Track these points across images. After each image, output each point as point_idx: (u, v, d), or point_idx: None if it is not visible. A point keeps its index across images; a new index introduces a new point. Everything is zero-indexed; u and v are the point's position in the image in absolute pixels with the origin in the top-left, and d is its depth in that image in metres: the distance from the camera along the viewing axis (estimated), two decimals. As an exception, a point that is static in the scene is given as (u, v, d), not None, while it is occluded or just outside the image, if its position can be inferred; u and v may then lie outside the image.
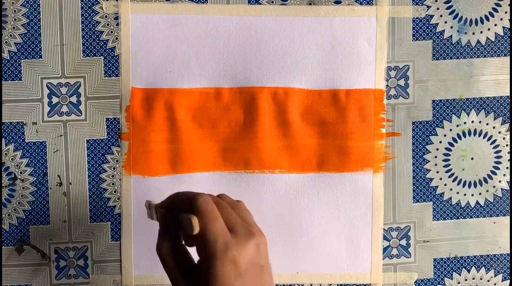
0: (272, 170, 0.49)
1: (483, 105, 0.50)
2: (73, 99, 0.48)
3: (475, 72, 0.50)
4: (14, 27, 0.47)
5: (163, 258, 0.36)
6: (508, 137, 0.51)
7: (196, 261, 0.36)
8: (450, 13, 0.49)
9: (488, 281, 0.52)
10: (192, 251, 0.36)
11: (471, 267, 0.51)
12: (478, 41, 0.50)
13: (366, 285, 0.51)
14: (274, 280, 0.50)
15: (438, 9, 0.49)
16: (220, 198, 0.38)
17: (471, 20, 0.49)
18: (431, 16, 0.49)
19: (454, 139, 0.50)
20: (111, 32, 0.48)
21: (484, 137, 0.51)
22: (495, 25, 0.50)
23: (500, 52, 0.50)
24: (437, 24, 0.49)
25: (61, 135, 0.48)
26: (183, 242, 0.37)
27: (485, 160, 0.51)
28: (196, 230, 0.34)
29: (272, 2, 0.48)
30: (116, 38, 0.48)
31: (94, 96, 0.48)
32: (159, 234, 0.37)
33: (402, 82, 0.50)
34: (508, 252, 0.51)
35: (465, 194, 0.51)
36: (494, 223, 0.51)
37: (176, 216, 0.36)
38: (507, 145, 0.51)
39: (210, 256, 0.33)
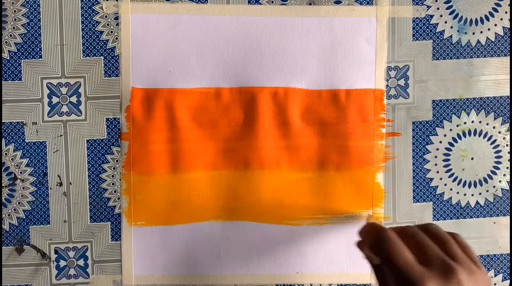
0: (272, 170, 0.49)
1: (483, 105, 0.50)
2: (73, 99, 0.48)
3: (475, 72, 0.50)
4: (14, 27, 0.47)
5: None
6: (508, 137, 0.51)
7: None
8: (450, 13, 0.49)
9: (488, 281, 0.52)
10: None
11: (471, 267, 0.51)
12: (478, 41, 0.50)
13: (366, 285, 0.51)
14: (274, 280, 0.50)
15: (438, 9, 0.49)
16: (428, 229, 0.37)
17: (471, 20, 0.49)
18: (431, 16, 0.49)
19: (454, 139, 0.50)
20: (111, 32, 0.48)
21: (484, 137, 0.51)
22: (495, 25, 0.50)
23: (500, 52, 0.50)
24: (437, 24, 0.49)
25: (61, 135, 0.48)
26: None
27: (485, 160, 0.51)
28: (376, 260, 0.36)
29: (272, 2, 0.48)
30: (116, 38, 0.48)
31: (94, 96, 0.48)
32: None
33: (402, 82, 0.50)
34: (508, 252, 0.51)
35: (465, 194, 0.51)
36: (494, 223, 0.51)
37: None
38: (507, 145, 0.51)
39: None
